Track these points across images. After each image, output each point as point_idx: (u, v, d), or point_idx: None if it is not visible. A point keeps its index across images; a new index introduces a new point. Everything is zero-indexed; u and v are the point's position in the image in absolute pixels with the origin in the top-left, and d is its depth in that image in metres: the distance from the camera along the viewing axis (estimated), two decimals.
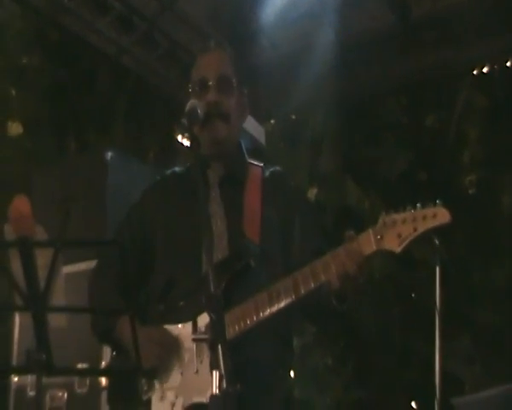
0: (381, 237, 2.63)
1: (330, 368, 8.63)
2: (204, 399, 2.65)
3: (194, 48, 5.69)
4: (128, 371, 2.74)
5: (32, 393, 4.56)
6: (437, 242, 4.04)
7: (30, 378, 4.48)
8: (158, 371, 2.79)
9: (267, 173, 3.15)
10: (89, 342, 3.26)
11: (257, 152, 4.92)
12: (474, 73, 6.95)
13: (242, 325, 2.73)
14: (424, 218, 2.59)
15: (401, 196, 8.09)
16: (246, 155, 3.20)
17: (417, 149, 8.76)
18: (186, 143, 2.68)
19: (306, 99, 6.46)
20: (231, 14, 6.09)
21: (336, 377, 8.47)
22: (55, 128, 8.50)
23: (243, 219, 2.97)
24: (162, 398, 2.81)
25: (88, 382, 4.42)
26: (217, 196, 3.04)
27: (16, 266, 2.21)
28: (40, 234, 2.30)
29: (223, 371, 2.18)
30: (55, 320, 2.34)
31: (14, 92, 8.53)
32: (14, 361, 4.77)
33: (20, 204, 2.26)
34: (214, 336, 2.25)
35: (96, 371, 3.92)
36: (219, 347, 2.21)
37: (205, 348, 2.69)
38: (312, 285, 2.70)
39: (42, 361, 2.18)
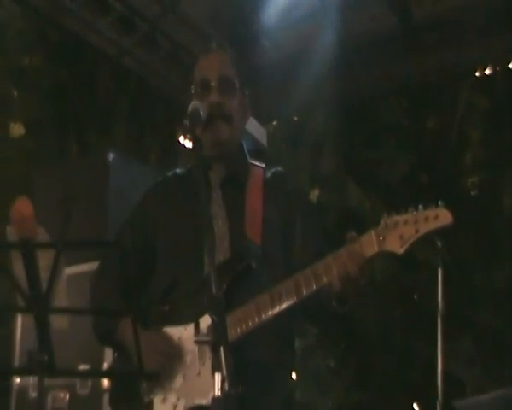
0: (383, 239, 2.63)
1: (332, 370, 8.63)
2: (206, 401, 2.65)
3: (195, 49, 5.68)
4: (130, 373, 2.73)
5: (33, 394, 4.56)
6: (439, 243, 4.04)
7: (32, 380, 4.49)
8: (160, 374, 2.78)
9: (269, 174, 3.15)
10: (90, 343, 3.25)
11: (258, 153, 4.92)
12: (476, 74, 6.95)
13: (244, 326, 2.73)
14: (426, 219, 2.59)
15: (403, 197, 8.09)
16: (247, 156, 3.20)
17: (419, 151, 8.76)
18: (188, 144, 2.67)
19: (308, 100, 6.47)
20: (233, 16, 6.09)
21: (338, 379, 8.46)
22: (56, 129, 8.50)
23: (245, 221, 2.97)
24: (164, 400, 2.81)
25: (90, 383, 4.42)
26: (218, 197, 3.04)
27: (18, 267, 2.20)
28: (42, 235, 2.30)
29: (225, 374, 2.18)
30: (57, 322, 2.34)
31: (15, 93, 8.53)
32: (16, 362, 4.77)
33: (22, 206, 2.26)
34: (216, 338, 2.25)
35: (97, 373, 3.92)
36: (221, 349, 2.21)
37: (207, 350, 2.68)
38: (314, 287, 2.70)
39: (44, 363, 2.17)
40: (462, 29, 5.78)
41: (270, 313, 2.73)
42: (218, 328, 2.27)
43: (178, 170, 3.23)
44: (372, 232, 2.64)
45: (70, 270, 3.99)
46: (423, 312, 7.30)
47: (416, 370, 8.23)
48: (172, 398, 2.79)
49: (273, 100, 6.48)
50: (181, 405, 2.77)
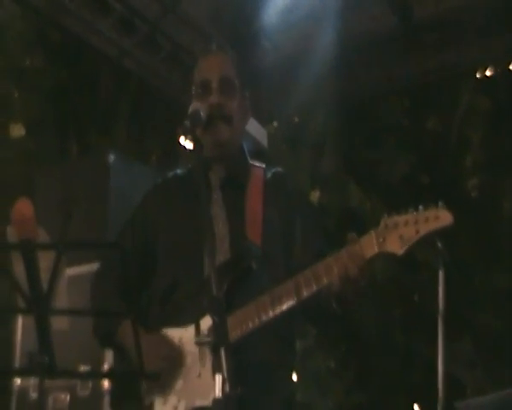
0: (384, 240, 2.62)
1: (332, 371, 8.63)
2: (206, 402, 2.64)
3: (196, 50, 5.68)
4: (130, 374, 2.73)
5: (34, 395, 4.56)
6: (439, 244, 4.03)
7: (32, 381, 4.49)
8: (160, 375, 2.78)
9: (269, 175, 3.14)
10: (91, 344, 3.25)
11: (259, 154, 4.92)
12: (477, 76, 6.95)
13: (244, 327, 2.73)
14: (426, 220, 2.58)
15: (403, 198, 8.09)
16: (248, 157, 3.19)
17: (419, 152, 8.76)
18: (189, 145, 2.67)
19: (308, 101, 6.47)
20: (233, 16, 6.09)
21: (338, 381, 8.47)
22: (57, 130, 8.51)
23: (245, 222, 2.96)
24: (164, 402, 2.80)
25: (90, 384, 4.42)
26: (218, 198, 3.03)
27: (19, 268, 2.21)
28: (42, 237, 2.30)
29: (225, 375, 2.18)
30: (57, 323, 2.34)
31: (16, 94, 8.54)
32: (17, 363, 4.77)
33: (23, 207, 2.26)
34: (217, 340, 2.25)
35: (98, 374, 3.92)
36: (222, 350, 2.21)
37: (207, 351, 2.68)
38: (314, 288, 2.70)
39: (44, 364, 2.18)
40: (462, 29, 5.78)
41: (271, 314, 2.72)
42: (218, 329, 2.27)
43: (178, 171, 3.23)
44: (372, 233, 2.64)
45: (70, 271, 3.99)
46: (424, 313, 7.30)
47: (417, 371, 8.24)
48: (173, 400, 2.79)
49: (273, 100, 6.48)
50: (181, 406, 2.77)
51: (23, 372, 3.61)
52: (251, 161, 3.19)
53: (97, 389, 4.37)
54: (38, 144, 8.41)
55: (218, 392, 2.20)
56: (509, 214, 8.28)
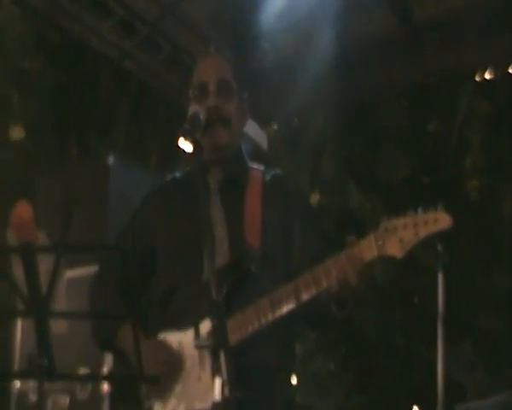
0: (383, 243, 2.62)
1: (332, 374, 8.62)
2: (206, 406, 2.64)
3: (196, 51, 5.70)
4: (129, 377, 2.73)
5: (33, 398, 4.55)
6: (439, 247, 4.04)
7: (32, 383, 4.48)
8: (159, 378, 2.78)
9: (268, 177, 3.14)
10: (90, 347, 3.24)
11: (259, 157, 4.92)
12: (476, 79, 6.95)
13: (244, 331, 2.72)
14: (426, 223, 2.58)
15: (403, 200, 8.09)
16: (246, 159, 3.19)
17: (419, 154, 8.76)
18: (188, 148, 2.67)
19: (308, 103, 6.47)
20: (233, 18, 6.09)
21: (338, 383, 8.47)
22: (56, 132, 8.50)
23: (244, 225, 2.96)
24: (164, 405, 2.80)
25: (90, 387, 4.42)
26: (217, 200, 3.03)
27: (18, 271, 2.20)
28: (42, 240, 2.30)
29: (225, 378, 2.18)
30: (57, 325, 2.34)
31: (15, 96, 8.53)
32: (16, 366, 4.76)
33: (23, 210, 2.25)
34: (216, 343, 2.25)
35: (97, 377, 3.92)
36: (221, 353, 2.21)
37: (207, 354, 2.68)
38: (314, 291, 2.70)
39: (44, 367, 2.17)
40: (462, 31, 5.78)
41: (270, 317, 2.72)
42: (218, 332, 2.27)
43: (177, 174, 3.23)
44: (371, 236, 2.64)
45: (70, 273, 4.00)
46: (424, 315, 7.30)
47: (417, 373, 8.23)
48: (172, 403, 2.79)
49: (273, 102, 6.48)
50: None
51: (22, 375, 3.61)
52: (250, 164, 3.19)
53: (97, 391, 4.37)
54: (38, 146, 8.40)
55: (217, 395, 2.20)
56: (509, 216, 8.28)
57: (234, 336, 2.66)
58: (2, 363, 5.48)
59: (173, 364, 2.81)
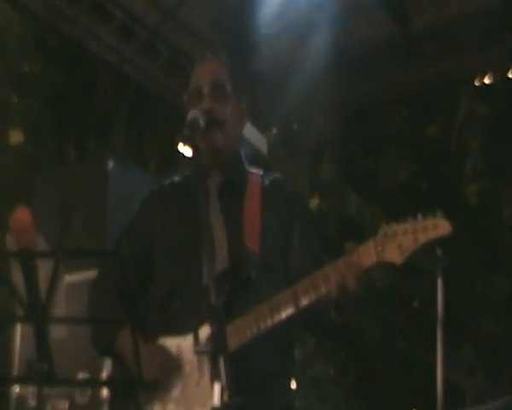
0: (382, 249, 2.62)
1: (331, 378, 8.62)
2: None
3: (195, 56, 5.69)
4: (129, 382, 2.73)
5: (33, 403, 4.55)
6: (439, 252, 4.04)
7: (31, 388, 4.47)
8: (158, 384, 2.77)
9: (266, 181, 3.13)
10: (89, 351, 3.24)
11: (258, 161, 4.92)
12: (475, 83, 6.95)
13: (243, 336, 2.72)
14: (425, 229, 2.58)
15: (403, 206, 8.09)
16: (245, 164, 3.18)
17: (419, 160, 8.77)
18: (187, 152, 2.67)
19: (307, 108, 6.47)
20: (232, 23, 6.10)
21: (337, 388, 8.46)
22: (55, 136, 8.50)
23: (243, 230, 2.96)
24: None
25: (89, 392, 4.41)
26: (216, 205, 3.02)
27: (17, 276, 2.20)
28: (41, 245, 2.30)
29: (224, 384, 2.18)
30: (56, 331, 2.34)
31: (14, 99, 8.54)
32: (16, 371, 4.76)
33: (22, 215, 2.25)
34: (215, 348, 2.25)
35: (97, 383, 3.91)
36: (221, 359, 2.21)
37: (206, 360, 2.68)
38: (313, 297, 2.69)
39: (43, 372, 2.17)
40: (461, 37, 5.78)
41: (270, 322, 2.72)
42: (217, 338, 2.27)
43: (176, 178, 3.23)
44: (371, 242, 2.64)
45: (69, 278, 4.00)
46: (423, 320, 7.30)
47: (417, 378, 8.23)
48: (171, 408, 2.79)
49: (272, 107, 6.48)
50: None
51: (22, 380, 3.60)
52: (248, 168, 3.18)
53: (96, 396, 4.36)
54: (37, 150, 8.40)
55: (216, 401, 2.20)
56: (508, 221, 8.29)
57: (233, 342, 2.66)
58: (1, 368, 5.47)
59: (172, 367, 2.81)
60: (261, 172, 3.18)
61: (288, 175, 7.06)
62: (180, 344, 2.83)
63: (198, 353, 2.61)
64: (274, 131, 7.70)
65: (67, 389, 4.44)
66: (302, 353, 7.75)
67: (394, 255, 2.60)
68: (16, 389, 4.66)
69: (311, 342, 7.84)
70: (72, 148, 8.61)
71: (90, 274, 3.82)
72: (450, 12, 5.67)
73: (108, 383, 3.48)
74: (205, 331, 2.61)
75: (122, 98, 8.44)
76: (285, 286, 2.78)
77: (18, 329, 4.79)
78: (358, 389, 8.50)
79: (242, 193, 3.06)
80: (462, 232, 7.27)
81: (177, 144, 2.67)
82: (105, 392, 4.29)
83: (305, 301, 2.69)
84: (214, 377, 2.23)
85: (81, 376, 4.33)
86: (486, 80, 6.63)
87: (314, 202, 8.44)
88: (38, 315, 2.19)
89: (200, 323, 2.66)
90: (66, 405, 4.49)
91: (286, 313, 2.71)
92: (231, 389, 2.19)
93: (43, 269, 2.20)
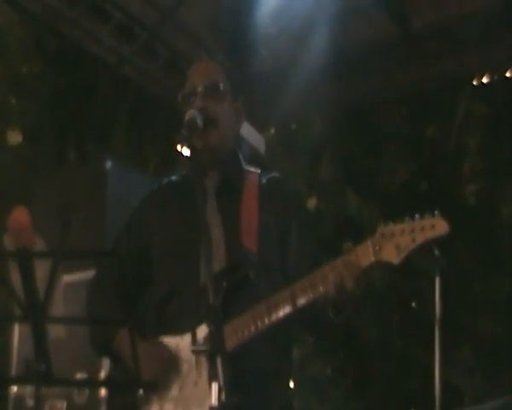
0: (380, 248, 2.63)
1: (330, 378, 8.62)
2: None
3: (194, 57, 5.69)
4: (127, 382, 2.73)
5: (31, 403, 4.55)
6: (437, 252, 4.04)
7: (29, 388, 4.47)
8: (157, 384, 2.78)
9: (264, 180, 3.13)
10: (88, 351, 3.25)
11: (256, 161, 4.92)
12: (474, 83, 6.96)
13: (241, 336, 2.73)
14: (422, 229, 2.59)
15: (401, 206, 8.09)
16: (242, 163, 3.18)
17: (417, 160, 8.77)
18: (186, 152, 2.67)
19: (306, 108, 6.47)
20: (231, 24, 6.10)
21: (336, 388, 8.46)
22: (55, 137, 8.50)
23: (240, 229, 2.96)
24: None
25: (87, 392, 4.41)
26: (213, 204, 3.02)
27: (16, 276, 2.21)
28: (39, 245, 2.30)
29: (222, 383, 2.18)
30: (54, 330, 2.34)
31: (13, 100, 8.53)
32: (13, 371, 4.76)
33: (20, 215, 2.26)
34: (213, 348, 2.25)
35: (95, 383, 3.91)
36: (218, 358, 2.21)
37: (204, 359, 2.68)
38: (311, 295, 2.70)
39: (41, 372, 2.18)
40: (461, 37, 5.78)
41: (267, 321, 2.72)
42: (215, 337, 2.27)
43: (173, 177, 3.23)
44: (368, 242, 2.64)
45: (67, 278, 4.00)
46: (421, 320, 7.29)
47: (415, 378, 8.22)
48: (169, 408, 2.79)
49: (270, 107, 6.48)
50: None
51: (20, 380, 3.61)
52: (246, 167, 3.19)
53: (94, 396, 4.36)
54: (36, 151, 8.39)
55: (214, 400, 2.20)
56: (507, 220, 8.28)
57: (231, 341, 2.66)
58: None
59: (170, 362, 2.81)
60: (258, 171, 3.18)
61: (287, 174, 7.05)
62: (178, 344, 2.83)
63: (196, 352, 2.61)
64: (272, 131, 7.69)
65: (65, 389, 4.44)
66: (300, 352, 7.75)
67: (392, 255, 2.61)
68: (14, 389, 4.66)
69: (309, 342, 7.84)
70: (71, 149, 8.60)
71: (88, 274, 3.82)
72: (450, 12, 5.67)
73: (106, 383, 3.48)
74: (203, 331, 2.62)
75: (121, 100, 8.43)
76: (283, 286, 2.78)
77: (16, 329, 4.79)
78: (357, 389, 8.50)
79: (240, 192, 3.06)
80: (460, 232, 7.27)
81: (175, 144, 2.66)
82: (103, 392, 4.30)
83: (302, 301, 2.70)
84: (212, 376, 2.24)
85: (79, 376, 4.33)
86: (485, 80, 6.63)
87: (312, 202, 8.44)
88: (36, 315, 2.20)
89: (198, 322, 2.67)
90: (64, 405, 4.49)
91: (283, 311, 2.72)
92: (229, 388, 2.20)
93: (41, 269, 2.20)
